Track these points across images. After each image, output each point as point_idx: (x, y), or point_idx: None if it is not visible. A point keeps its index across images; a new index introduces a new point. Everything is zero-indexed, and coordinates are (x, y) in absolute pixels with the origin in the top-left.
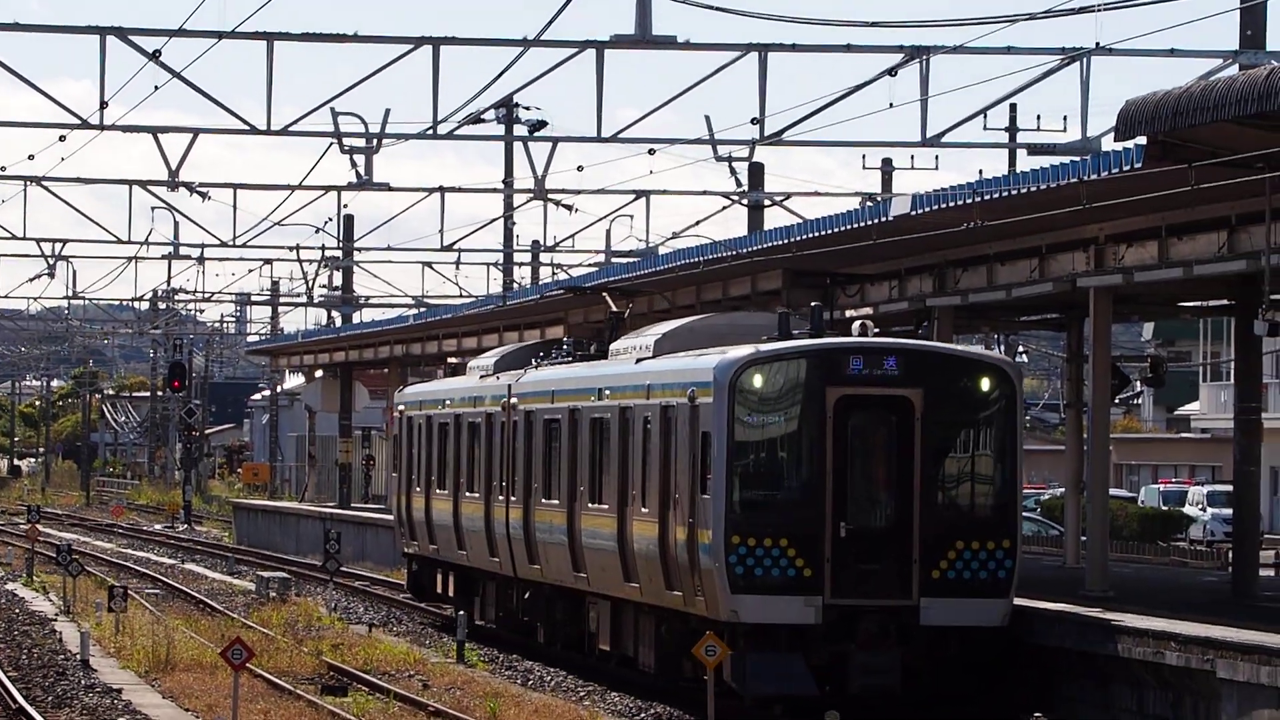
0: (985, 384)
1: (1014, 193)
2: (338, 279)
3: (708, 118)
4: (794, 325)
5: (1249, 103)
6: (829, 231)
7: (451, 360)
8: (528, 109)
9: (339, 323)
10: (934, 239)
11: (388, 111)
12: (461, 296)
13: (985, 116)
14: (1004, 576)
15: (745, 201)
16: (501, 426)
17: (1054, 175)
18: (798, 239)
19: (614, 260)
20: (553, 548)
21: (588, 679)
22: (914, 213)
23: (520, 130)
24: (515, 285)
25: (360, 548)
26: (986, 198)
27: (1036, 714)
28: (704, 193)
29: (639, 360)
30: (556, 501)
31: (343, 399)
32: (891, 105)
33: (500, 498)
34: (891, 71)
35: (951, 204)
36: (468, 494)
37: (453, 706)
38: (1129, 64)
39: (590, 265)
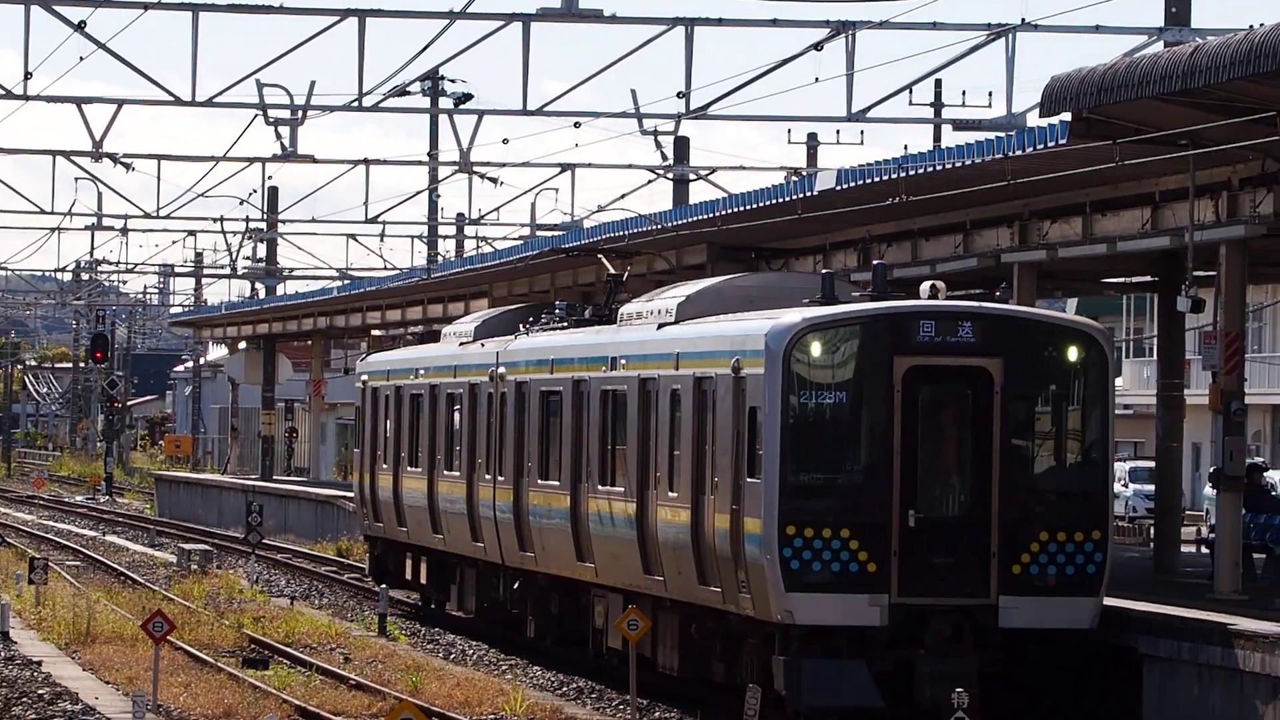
0: (1073, 352)
1: (939, 168)
2: (261, 251)
3: (633, 91)
4: (838, 289)
5: (1173, 80)
6: (754, 206)
7: (414, 330)
8: (453, 81)
9: (262, 294)
10: (859, 214)
11: (313, 84)
12: (386, 269)
13: (911, 92)
14: (1094, 572)
15: (671, 175)
16: (488, 398)
17: (979, 151)
18: (723, 213)
19: (539, 234)
20: (551, 533)
21: (509, 653)
22: (839, 188)
23: (446, 103)
24: (440, 258)
25: (283, 520)
26: (911, 173)
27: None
28: (629, 166)
29: (661, 326)
30: (556, 483)
31: (266, 371)
32: (817, 80)
33: (487, 477)
34: (817, 46)
35: (876, 179)
36: (446, 473)
37: (374, 680)
38: (1054, 40)
39: (515, 239)
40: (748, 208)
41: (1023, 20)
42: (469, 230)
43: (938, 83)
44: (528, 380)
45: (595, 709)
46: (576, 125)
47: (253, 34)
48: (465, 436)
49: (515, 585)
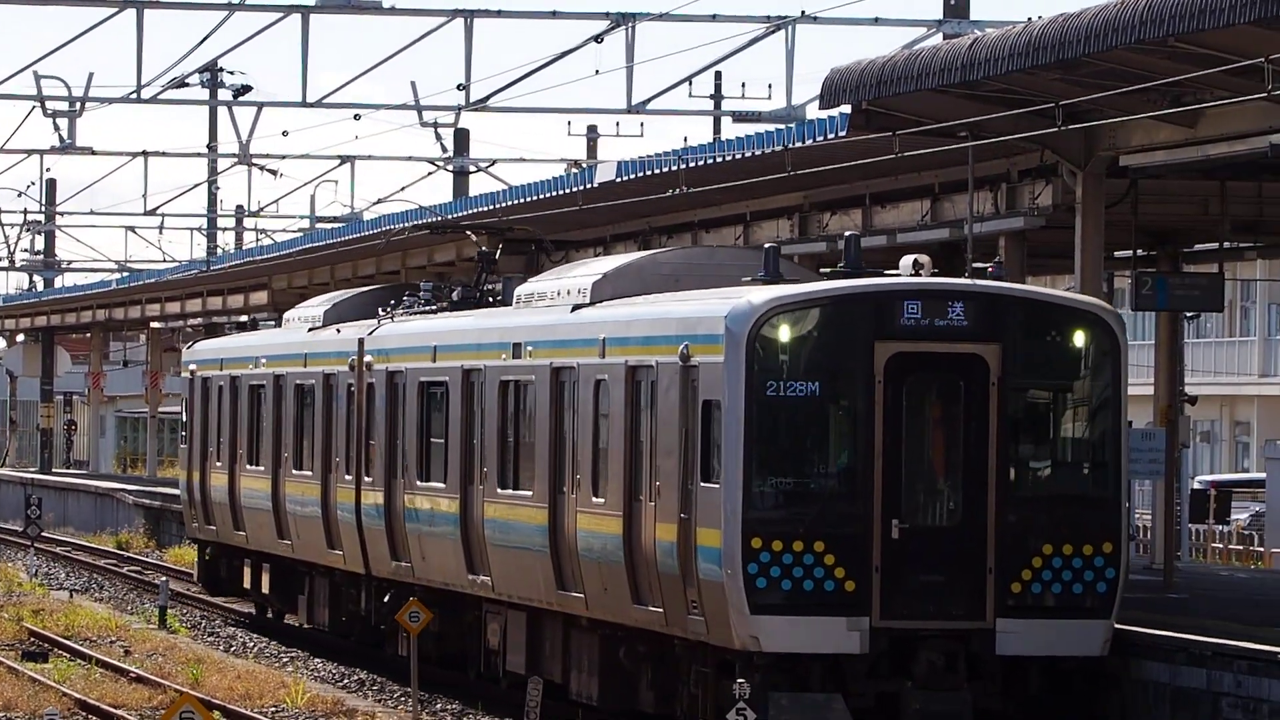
0: (1080, 337)
1: (719, 160)
2: (39, 243)
3: (413, 83)
4: (783, 267)
5: (952, 72)
6: (535, 198)
7: (243, 318)
8: (232, 74)
9: (40, 287)
10: (640, 206)
11: (91, 75)
12: (165, 261)
13: (691, 84)
14: (1104, 591)
15: (451, 168)
16: (349, 390)
17: (759, 143)
18: (504, 205)
19: (319, 226)
20: (435, 542)
21: (290, 645)
22: (619, 180)
23: (225, 95)
24: (219, 250)
25: (61, 514)
26: (691, 165)
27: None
28: (410, 159)
29: (577, 308)
30: (441, 485)
31: (44, 363)
32: (597, 72)
33: (348, 478)
34: (597, 38)
35: (657, 171)
36: (296, 472)
37: (154, 673)
38: (834, 32)
39: (295, 231)
40: (529, 199)
41: (802, 12)
42: (248, 222)
43: (718, 74)
44: (403, 370)
45: (376, 701)
46: (356, 117)
47: (31, 24)
48: (320, 432)
49: (386, 598)
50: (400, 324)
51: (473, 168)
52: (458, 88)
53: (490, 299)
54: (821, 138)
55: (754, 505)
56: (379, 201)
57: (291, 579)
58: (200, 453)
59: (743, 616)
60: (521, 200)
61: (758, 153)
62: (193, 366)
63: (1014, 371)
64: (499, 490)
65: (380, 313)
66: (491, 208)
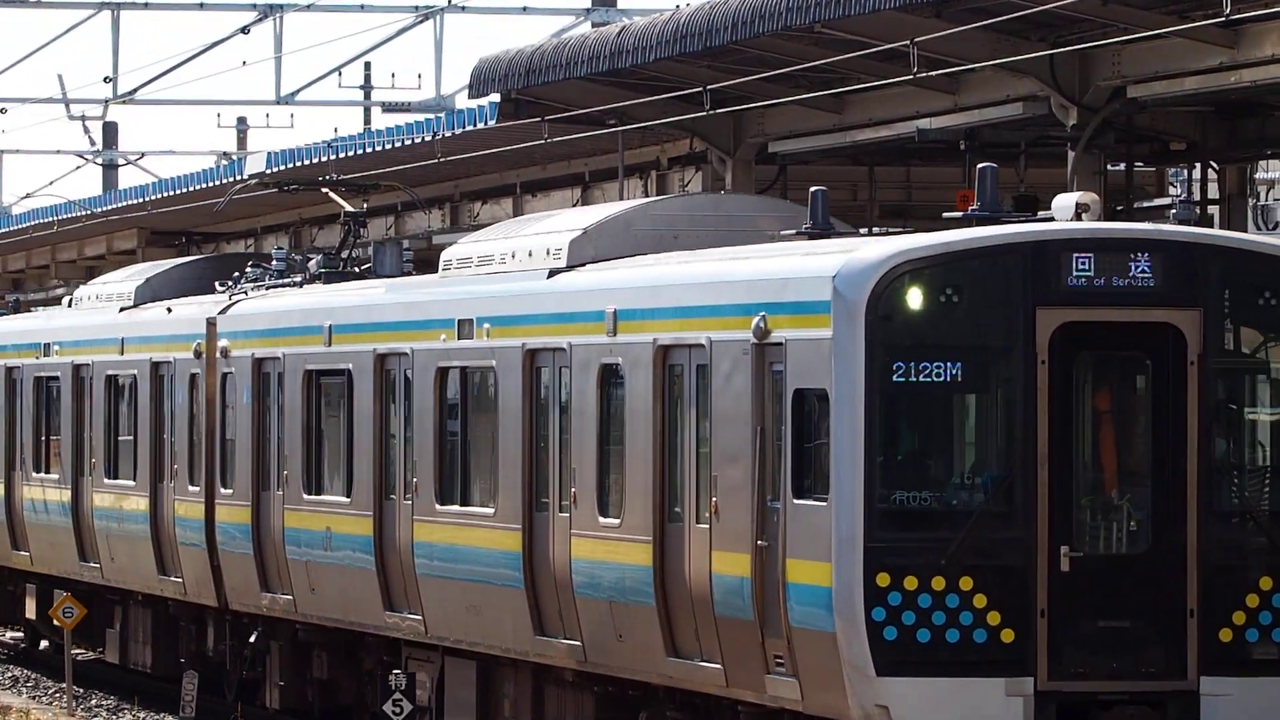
0: None
1: (368, 150)
2: None
3: (60, 76)
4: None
5: (601, 60)
6: (184, 190)
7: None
8: None
9: None
10: (290, 197)
11: None
12: None
13: (340, 74)
14: None
15: (100, 161)
16: (192, 381)
17: (408, 132)
18: (153, 198)
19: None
20: (332, 572)
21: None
22: (269, 171)
23: None
24: None
25: None
26: (341, 155)
27: None
28: (58, 152)
29: (554, 273)
30: (345, 499)
31: None
32: (245, 64)
33: (194, 488)
34: (245, 29)
35: (306, 162)
36: (109, 481)
37: None
38: (483, 22)
39: None
40: (178, 192)
41: (450, 2)
42: None
43: (367, 65)
44: (278, 356)
45: (31, 698)
46: (2, 110)
47: None
48: (148, 433)
49: (253, 638)
50: (265, 300)
51: (122, 161)
52: (105, 80)
53: (355, 268)
54: (471, 127)
55: (879, 529)
56: (28, 196)
57: (95, 608)
58: None
59: (865, 678)
60: (171, 193)
61: (406, 142)
62: None
63: (1220, 346)
64: (438, 506)
65: (218, 288)
66: (142, 200)
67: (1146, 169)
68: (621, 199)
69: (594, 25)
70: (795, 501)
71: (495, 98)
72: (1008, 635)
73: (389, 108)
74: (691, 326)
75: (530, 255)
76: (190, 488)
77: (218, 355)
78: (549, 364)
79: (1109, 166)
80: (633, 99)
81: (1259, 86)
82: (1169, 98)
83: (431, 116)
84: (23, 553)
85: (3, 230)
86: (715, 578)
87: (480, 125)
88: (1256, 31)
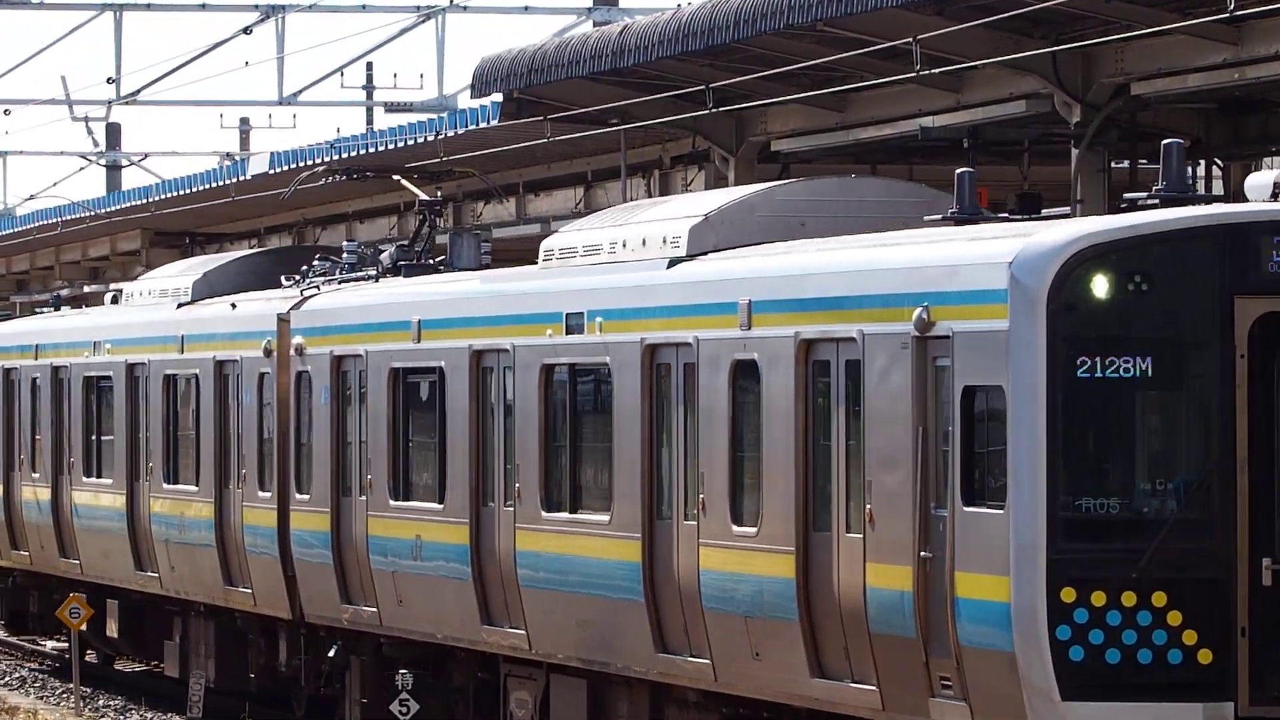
0: None
1: (371, 150)
2: None
3: (63, 78)
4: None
5: (603, 59)
6: (188, 191)
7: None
8: None
9: None
10: (295, 197)
11: None
12: None
13: (343, 75)
14: None
15: (104, 162)
16: (260, 381)
17: (411, 132)
18: (157, 199)
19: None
20: (419, 581)
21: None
22: (272, 171)
23: None
24: None
25: None
26: (344, 155)
27: None
28: (62, 153)
29: (674, 263)
30: (437, 506)
31: None
32: (248, 64)
33: (264, 494)
34: (247, 30)
35: (309, 163)
36: (169, 486)
37: None
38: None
39: None
40: (182, 193)
41: (451, 2)
42: None
43: (369, 65)
44: (360, 353)
45: (39, 698)
46: (6, 112)
47: None
48: (211, 435)
49: (333, 652)
50: (343, 294)
51: (125, 162)
52: (108, 81)
53: (429, 260)
54: (474, 126)
55: (1063, 540)
56: (31, 197)
57: (151, 620)
58: (3, 461)
59: (1048, 703)
60: (175, 194)
61: (409, 142)
62: None
63: None
64: (544, 514)
65: (284, 282)
66: (145, 201)
67: (1150, 166)
68: (625, 199)
69: (596, 24)
70: (965, 509)
71: (498, 97)
72: (1205, 656)
73: (391, 108)
74: (840, 319)
75: (644, 244)
76: (260, 493)
77: (291, 353)
78: (672, 360)
79: (1112, 164)
80: (635, 98)
81: (1263, 83)
82: (1172, 95)
83: (434, 116)
84: (71, 560)
85: (7, 232)
86: (870, 591)
87: (483, 125)
88: (1260, 28)
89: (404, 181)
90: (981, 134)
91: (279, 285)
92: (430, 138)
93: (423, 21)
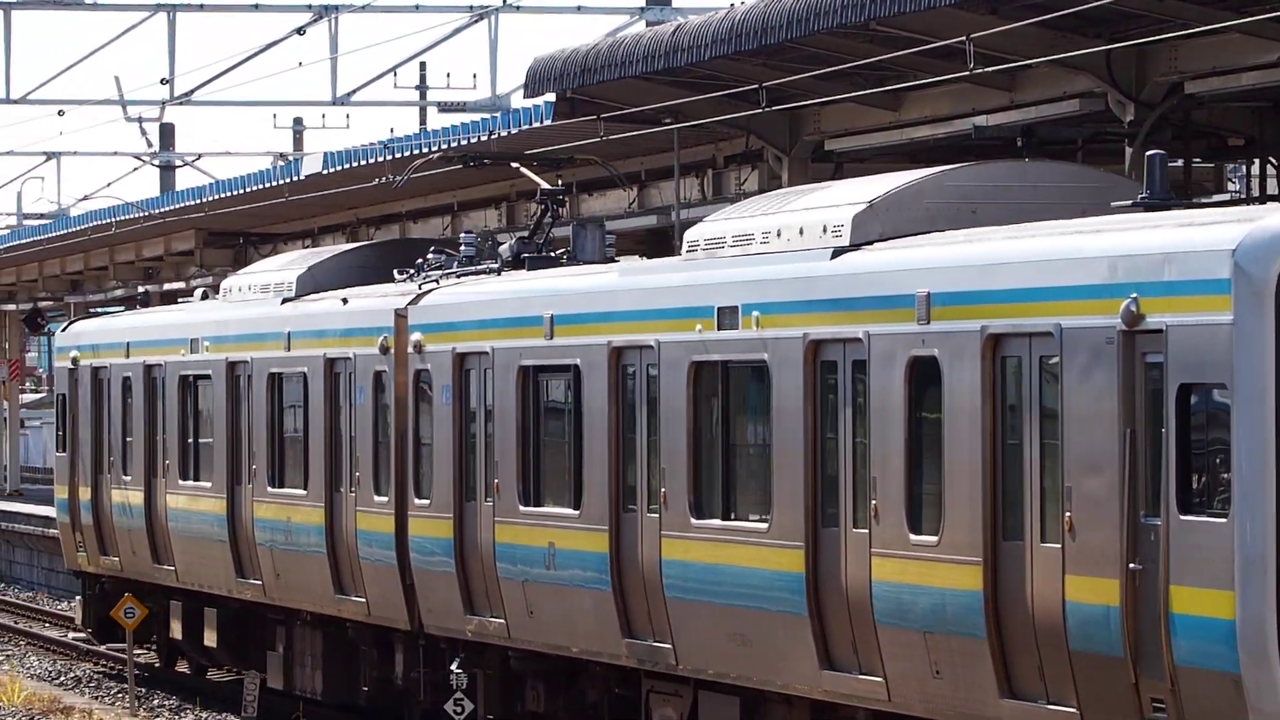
0: None
1: (425, 150)
2: None
3: (117, 79)
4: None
5: (656, 59)
6: (241, 191)
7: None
8: None
9: None
10: (346, 197)
11: None
12: None
13: (395, 75)
14: None
15: (157, 162)
16: (375, 380)
17: (464, 132)
18: (210, 199)
19: (26, 223)
20: (551, 592)
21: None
22: (326, 171)
23: None
24: None
25: None
26: (397, 156)
27: None
28: (115, 154)
29: (838, 253)
30: (573, 512)
31: None
32: (301, 64)
33: (381, 499)
34: (300, 30)
35: (363, 162)
36: (274, 490)
37: None
38: (538, 21)
39: (3, 228)
40: (235, 193)
41: (505, 2)
42: None
43: (422, 65)
44: (486, 350)
45: (94, 698)
46: (60, 113)
47: None
48: (321, 437)
49: (456, 665)
50: (465, 288)
51: (179, 162)
52: (161, 82)
53: (550, 252)
54: (527, 125)
55: None
56: (85, 198)
57: (251, 628)
58: (92, 464)
59: None
60: (227, 194)
61: (463, 142)
62: (74, 354)
63: None
64: (693, 520)
65: (398, 276)
66: (199, 201)
67: (1204, 165)
68: (677, 199)
69: (649, 24)
70: (1181, 518)
71: (550, 97)
72: None
73: (445, 107)
74: (1032, 311)
75: (802, 233)
76: (376, 498)
77: (409, 350)
78: (838, 356)
79: (1167, 163)
80: (688, 97)
81: None
82: (1226, 93)
83: (487, 116)
84: (166, 567)
85: (61, 232)
86: (1069, 606)
87: (536, 124)
88: None
89: (524, 169)
90: (1035, 133)
91: (386, 279)
92: (483, 137)
93: (476, 21)
